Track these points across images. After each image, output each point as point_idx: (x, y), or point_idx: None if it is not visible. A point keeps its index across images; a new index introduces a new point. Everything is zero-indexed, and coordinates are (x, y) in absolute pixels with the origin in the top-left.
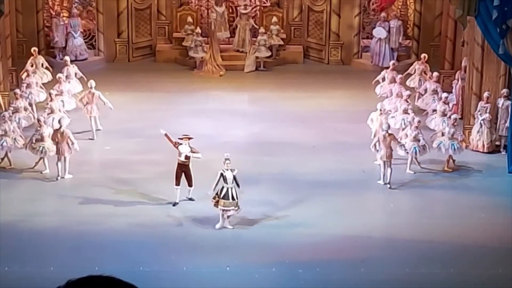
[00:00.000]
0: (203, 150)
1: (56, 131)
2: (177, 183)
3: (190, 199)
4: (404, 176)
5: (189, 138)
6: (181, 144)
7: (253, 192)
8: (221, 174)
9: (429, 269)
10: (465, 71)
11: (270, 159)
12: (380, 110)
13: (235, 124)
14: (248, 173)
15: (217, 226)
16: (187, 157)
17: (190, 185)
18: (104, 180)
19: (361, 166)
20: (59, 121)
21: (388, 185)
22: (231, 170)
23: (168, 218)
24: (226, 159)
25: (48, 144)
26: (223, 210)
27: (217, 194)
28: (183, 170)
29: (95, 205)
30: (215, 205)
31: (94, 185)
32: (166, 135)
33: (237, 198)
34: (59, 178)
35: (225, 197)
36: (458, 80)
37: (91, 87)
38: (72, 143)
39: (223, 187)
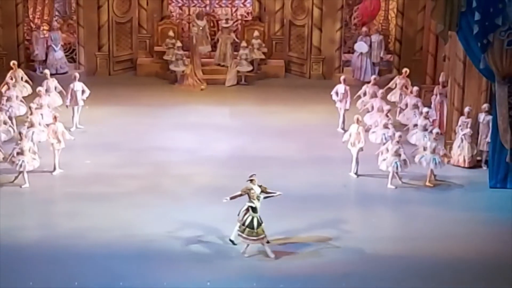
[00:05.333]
0: (185, 164)
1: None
2: None
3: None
4: (385, 191)
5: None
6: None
7: (234, 206)
8: (249, 207)
9: (410, 284)
10: (443, 86)
11: (251, 173)
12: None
13: (216, 138)
14: (229, 187)
15: (246, 254)
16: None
17: None
18: (85, 194)
19: (343, 180)
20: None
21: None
22: (257, 198)
23: (149, 232)
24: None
25: (28, 158)
26: (247, 239)
27: (243, 223)
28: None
29: (75, 219)
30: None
31: (74, 199)
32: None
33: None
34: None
35: (250, 226)
36: (436, 95)
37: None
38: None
39: (249, 216)
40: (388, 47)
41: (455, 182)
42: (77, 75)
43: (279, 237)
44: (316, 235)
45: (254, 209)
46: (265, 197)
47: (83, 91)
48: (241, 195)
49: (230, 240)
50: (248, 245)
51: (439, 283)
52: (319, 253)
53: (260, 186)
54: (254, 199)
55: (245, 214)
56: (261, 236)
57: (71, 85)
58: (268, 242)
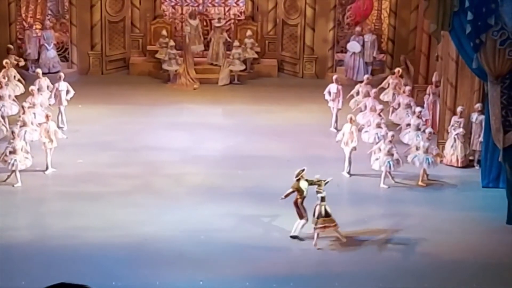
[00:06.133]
0: (178, 163)
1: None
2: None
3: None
4: (378, 190)
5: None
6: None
7: (227, 205)
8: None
9: (403, 284)
10: (435, 86)
11: (244, 172)
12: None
13: (209, 137)
14: (222, 186)
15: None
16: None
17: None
18: (77, 193)
19: (336, 179)
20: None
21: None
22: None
23: (142, 232)
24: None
25: (20, 157)
26: (325, 227)
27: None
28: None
29: (68, 219)
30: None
31: (67, 199)
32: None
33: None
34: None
35: (323, 215)
36: (429, 95)
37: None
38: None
39: (321, 207)
40: (381, 47)
41: (447, 181)
42: (62, 75)
43: (271, 237)
44: (308, 235)
45: (323, 199)
46: (325, 184)
47: (67, 91)
48: (292, 191)
49: (292, 237)
50: (317, 235)
51: (432, 283)
52: (312, 253)
53: (307, 180)
54: (321, 190)
55: (316, 207)
56: (335, 222)
57: (56, 85)
58: None
